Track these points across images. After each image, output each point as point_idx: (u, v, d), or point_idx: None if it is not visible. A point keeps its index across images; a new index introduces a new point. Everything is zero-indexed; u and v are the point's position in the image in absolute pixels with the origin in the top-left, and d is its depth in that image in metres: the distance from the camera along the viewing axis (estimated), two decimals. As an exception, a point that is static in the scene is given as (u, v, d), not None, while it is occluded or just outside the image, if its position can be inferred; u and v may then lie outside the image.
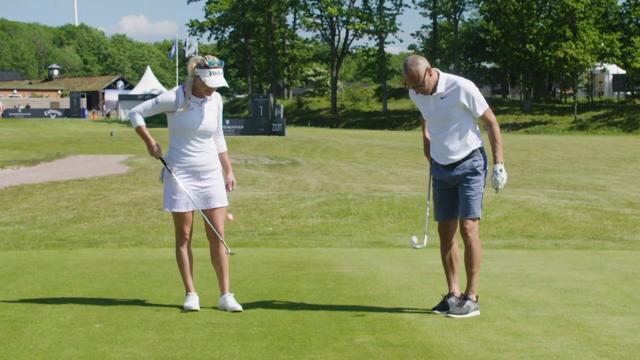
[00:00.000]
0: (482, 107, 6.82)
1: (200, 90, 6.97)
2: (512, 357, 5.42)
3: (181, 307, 7.01)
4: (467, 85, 6.84)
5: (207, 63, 6.89)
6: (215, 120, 7.08)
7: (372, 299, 7.43)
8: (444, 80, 6.85)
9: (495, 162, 6.83)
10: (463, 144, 6.84)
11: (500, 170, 6.81)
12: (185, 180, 7.02)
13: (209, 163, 7.06)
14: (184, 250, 7.18)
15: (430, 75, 6.79)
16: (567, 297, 7.49)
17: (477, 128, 6.95)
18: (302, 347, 5.66)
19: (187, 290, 7.13)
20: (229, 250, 7.06)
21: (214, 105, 7.08)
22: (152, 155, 7.08)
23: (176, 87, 7.10)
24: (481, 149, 6.91)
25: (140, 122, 7.09)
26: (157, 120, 36.36)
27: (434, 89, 6.83)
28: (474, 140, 6.86)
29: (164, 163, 7.08)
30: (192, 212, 7.09)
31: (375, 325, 6.34)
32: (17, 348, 5.63)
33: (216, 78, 6.91)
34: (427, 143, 7.19)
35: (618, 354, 5.48)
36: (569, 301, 7.28)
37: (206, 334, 6.07)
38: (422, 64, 6.76)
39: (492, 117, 6.89)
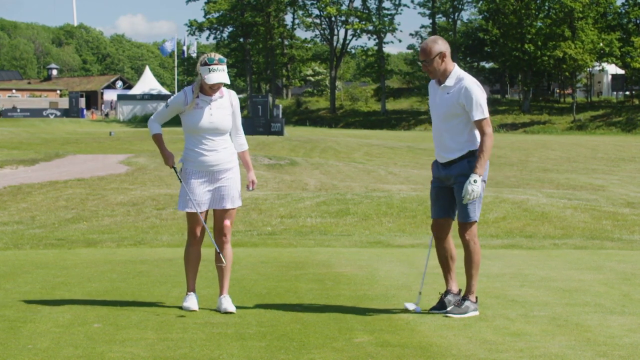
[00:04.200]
0: (479, 114, 6.68)
1: (206, 89, 6.96)
2: (511, 356, 5.42)
3: (180, 307, 7.01)
4: (472, 85, 6.72)
5: (206, 60, 6.88)
6: (228, 119, 7.01)
7: (370, 298, 7.43)
8: (456, 75, 6.77)
9: (472, 171, 6.66)
10: (461, 143, 6.77)
11: (475, 182, 6.62)
12: (199, 180, 6.99)
13: (223, 162, 7.01)
14: (193, 250, 7.15)
15: (442, 62, 6.73)
16: (565, 297, 7.49)
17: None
18: (300, 347, 5.66)
19: (188, 289, 7.12)
20: (224, 262, 7.03)
21: (226, 103, 7.02)
22: (166, 164, 7.09)
23: (185, 87, 7.11)
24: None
25: (156, 130, 7.15)
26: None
27: (444, 80, 6.79)
28: (472, 141, 6.78)
29: (176, 172, 7.07)
30: (206, 212, 7.07)
31: (374, 325, 6.34)
32: (15, 348, 5.63)
33: (216, 75, 6.87)
34: None
35: (617, 353, 5.49)
36: (567, 301, 7.28)
37: (205, 333, 6.07)
38: (440, 45, 6.72)
39: (488, 130, 6.70)
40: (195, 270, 7.18)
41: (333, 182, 24.61)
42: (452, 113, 6.75)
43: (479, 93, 6.71)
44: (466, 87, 6.71)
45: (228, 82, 7.00)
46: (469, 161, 6.76)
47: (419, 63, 6.89)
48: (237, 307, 6.93)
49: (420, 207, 16.05)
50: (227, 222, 7.06)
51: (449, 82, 6.77)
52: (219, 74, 6.89)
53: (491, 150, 6.75)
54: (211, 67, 6.86)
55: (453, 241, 7.02)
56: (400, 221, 15.04)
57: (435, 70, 6.77)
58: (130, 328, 6.22)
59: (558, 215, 15.45)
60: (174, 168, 7.07)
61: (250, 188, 7.19)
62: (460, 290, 6.93)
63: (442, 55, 6.73)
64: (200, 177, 7.00)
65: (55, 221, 15.72)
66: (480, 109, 6.70)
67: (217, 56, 6.92)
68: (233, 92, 7.13)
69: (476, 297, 6.86)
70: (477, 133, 6.81)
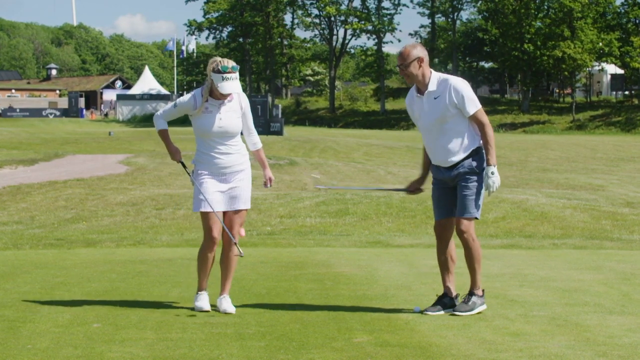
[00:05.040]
0: (473, 106, 6.70)
1: (216, 93, 6.95)
2: (510, 356, 5.42)
3: (179, 306, 7.01)
4: (458, 83, 6.74)
5: (219, 68, 6.84)
6: (238, 122, 6.98)
7: (370, 298, 7.43)
8: (436, 79, 6.78)
9: (487, 164, 6.71)
10: (462, 144, 6.75)
11: (492, 173, 6.68)
12: (211, 181, 6.98)
13: (235, 164, 7.00)
14: (210, 254, 7.06)
15: (420, 67, 6.73)
16: (565, 296, 7.49)
17: (475, 126, 6.87)
18: (300, 347, 5.66)
19: (199, 288, 7.10)
20: (241, 253, 6.96)
21: (236, 106, 7.00)
22: (172, 159, 7.08)
23: (194, 90, 7.09)
24: (481, 148, 6.85)
25: (162, 126, 7.14)
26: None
27: (426, 87, 6.78)
28: (472, 140, 6.77)
29: (184, 166, 7.08)
30: (222, 213, 7.02)
31: (374, 324, 6.33)
32: (15, 348, 5.63)
33: (229, 84, 6.84)
34: (418, 183, 7.19)
35: (616, 353, 5.48)
36: (567, 301, 7.28)
37: (204, 333, 6.07)
38: (418, 50, 6.75)
39: (485, 119, 6.77)
40: (208, 271, 7.12)
41: (332, 182, 24.61)
42: (447, 115, 6.73)
43: (466, 88, 6.76)
44: (453, 85, 6.72)
45: (240, 91, 6.98)
46: (473, 159, 6.77)
47: (396, 68, 6.88)
48: (237, 307, 6.93)
49: (420, 207, 16.05)
50: (237, 225, 7.03)
51: (432, 87, 6.76)
52: (233, 84, 6.86)
53: (493, 137, 6.78)
54: (224, 75, 6.82)
55: (454, 242, 7.01)
56: (400, 221, 15.04)
57: (412, 75, 6.76)
58: (130, 328, 6.22)
59: (557, 215, 15.45)
60: (182, 162, 7.07)
61: (268, 185, 7.22)
62: (457, 295, 6.91)
63: (419, 60, 6.73)
64: (213, 178, 6.99)
65: (55, 221, 15.72)
66: (473, 101, 6.73)
67: (231, 63, 6.86)
68: (243, 94, 7.09)
69: (483, 290, 6.84)
70: (475, 130, 6.82)
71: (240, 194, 7.02)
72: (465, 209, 6.78)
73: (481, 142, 6.82)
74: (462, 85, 6.75)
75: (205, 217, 7.00)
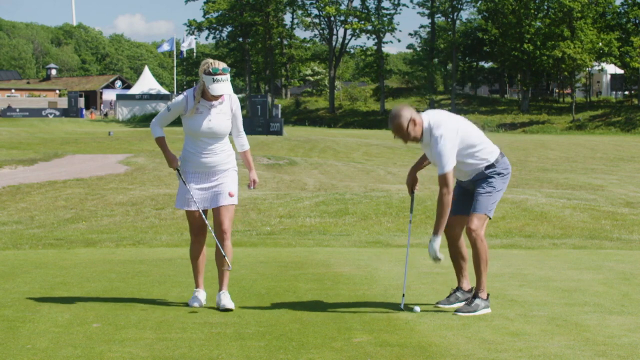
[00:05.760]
0: (437, 168, 6.69)
1: (208, 94, 6.98)
2: (510, 356, 5.42)
3: (179, 306, 7.03)
4: (436, 140, 6.68)
5: (210, 70, 6.88)
6: (227, 124, 7.07)
7: (369, 298, 7.43)
8: (428, 130, 6.75)
9: (433, 232, 6.75)
10: (471, 171, 6.91)
11: (429, 241, 6.75)
12: (196, 180, 7.09)
13: (220, 164, 7.09)
14: (196, 249, 7.27)
15: (415, 125, 6.73)
16: (564, 296, 7.49)
17: (481, 150, 6.85)
18: (300, 347, 5.66)
19: (195, 285, 7.27)
20: (229, 266, 7.04)
21: (226, 108, 7.08)
22: (169, 166, 7.17)
23: (186, 91, 7.13)
24: (496, 160, 6.90)
25: (158, 133, 7.22)
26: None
27: (422, 138, 6.83)
28: (486, 158, 6.88)
29: (179, 174, 7.13)
30: (206, 212, 7.15)
31: (373, 324, 6.34)
32: (15, 348, 5.63)
33: (219, 86, 6.90)
34: (411, 172, 7.17)
35: (616, 353, 5.49)
36: (566, 301, 7.28)
37: (204, 333, 6.08)
38: (405, 115, 6.72)
39: (443, 189, 6.66)
40: (199, 267, 7.27)
41: (332, 182, 24.62)
42: None
43: (440, 147, 6.65)
44: (432, 143, 6.71)
45: (231, 92, 7.04)
46: (490, 172, 6.88)
47: (399, 138, 6.87)
48: (236, 307, 6.93)
49: (420, 207, 16.04)
50: (226, 221, 7.09)
51: (426, 139, 6.78)
52: (223, 85, 6.92)
53: (446, 207, 6.68)
54: (215, 77, 6.88)
55: (465, 242, 7.05)
56: (399, 221, 15.04)
57: (414, 137, 6.78)
58: (129, 328, 6.22)
59: (557, 215, 15.45)
60: (177, 170, 7.13)
61: (252, 187, 7.30)
62: (471, 289, 7.03)
63: (412, 121, 6.73)
64: (197, 177, 7.11)
65: (54, 221, 15.72)
66: (441, 162, 6.65)
67: (222, 65, 6.93)
68: (234, 96, 7.16)
69: (487, 294, 6.88)
70: (488, 145, 6.90)
71: (224, 190, 7.10)
72: (477, 206, 6.89)
73: (494, 157, 6.88)
74: (439, 143, 6.66)
75: (188, 214, 7.16)
